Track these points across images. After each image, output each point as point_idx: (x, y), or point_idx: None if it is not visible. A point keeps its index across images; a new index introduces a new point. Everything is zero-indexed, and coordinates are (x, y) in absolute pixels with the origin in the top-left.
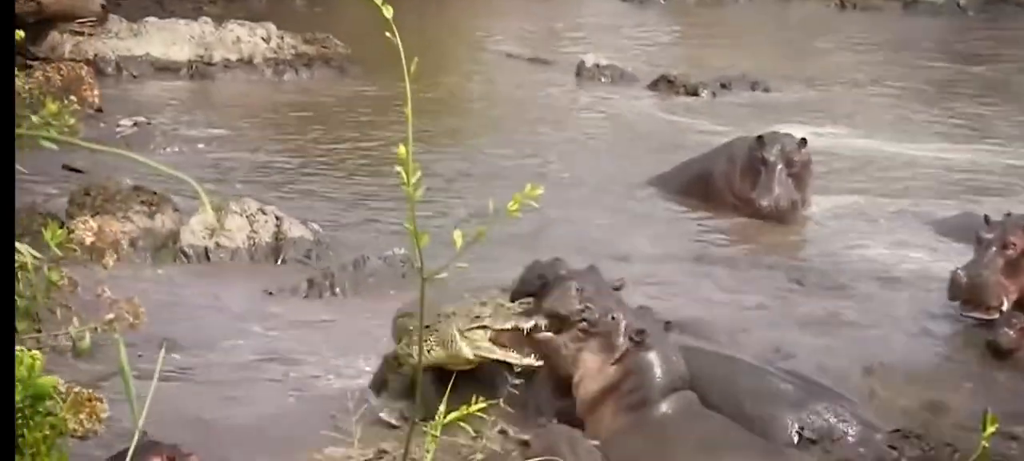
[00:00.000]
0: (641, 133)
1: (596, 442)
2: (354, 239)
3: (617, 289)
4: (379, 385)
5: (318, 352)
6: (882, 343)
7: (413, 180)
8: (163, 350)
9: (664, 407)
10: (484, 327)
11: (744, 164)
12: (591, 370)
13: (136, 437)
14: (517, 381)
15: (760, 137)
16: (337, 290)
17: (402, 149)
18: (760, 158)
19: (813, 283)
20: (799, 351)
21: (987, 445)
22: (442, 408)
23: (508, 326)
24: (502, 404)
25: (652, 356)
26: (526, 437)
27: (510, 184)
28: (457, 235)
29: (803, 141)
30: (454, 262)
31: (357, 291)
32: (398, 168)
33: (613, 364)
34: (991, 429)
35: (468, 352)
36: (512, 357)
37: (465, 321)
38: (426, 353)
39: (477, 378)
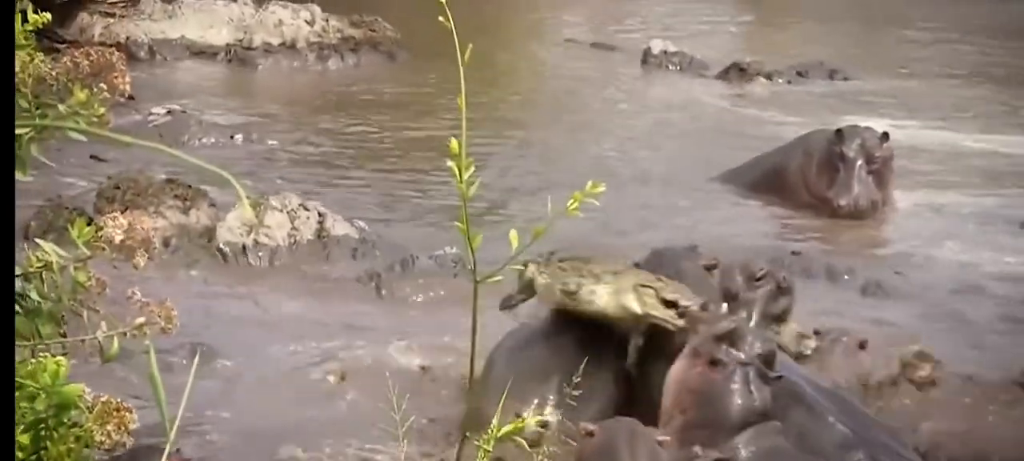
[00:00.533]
0: (711, 125)
1: (665, 437)
2: (403, 237)
3: (710, 269)
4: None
5: (364, 356)
6: (962, 354)
7: (466, 176)
8: (197, 356)
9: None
10: (654, 288)
11: (821, 160)
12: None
13: (168, 450)
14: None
15: (839, 131)
16: (384, 291)
17: (455, 143)
18: (838, 153)
19: (892, 289)
20: None
21: None
22: (495, 422)
23: (682, 300)
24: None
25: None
26: (592, 427)
27: (571, 179)
28: (513, 235)
29: (885, 135)
30: (510, 264)
31: (405, 292)
32: (450, 163)
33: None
34: None
35: (637, 306)
36: (675, 321)
37: (634, 278)
38: (589, 297)
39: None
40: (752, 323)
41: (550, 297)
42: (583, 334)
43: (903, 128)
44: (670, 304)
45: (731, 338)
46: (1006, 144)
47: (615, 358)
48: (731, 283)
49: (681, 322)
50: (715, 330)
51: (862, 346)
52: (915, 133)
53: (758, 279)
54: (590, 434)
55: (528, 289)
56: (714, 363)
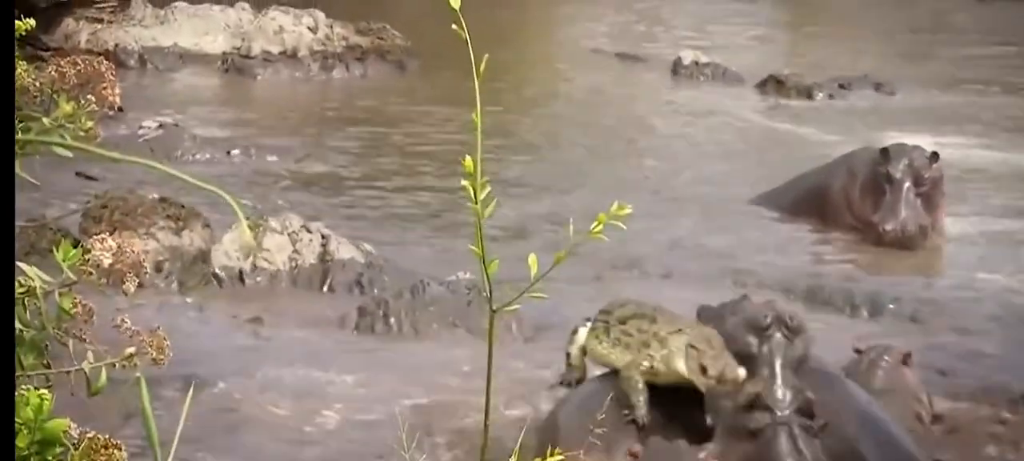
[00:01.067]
0: (747, 142)
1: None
2: (412, 262)
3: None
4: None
5: (370, 392)
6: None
7: (481, 196)
8: (191, 390)
9: None
10: (698, 351)
11: (866, 181)
12: None
13: None
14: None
15: (885, 149)
16: (392, 320)
17: (469, 160)
18: (884, 174)
19: (941, 322)
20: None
21: None
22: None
23: (719, 369)
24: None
25: None
26: (637, 447)
27: (594, 201)
28: (532, 260)
29: (934, 155)
30: (528, 292)
31: (415, 322)
32: (464, 182)
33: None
34: None
35: (684, 368)
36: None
37: (689, 336)
38: (651, 368)
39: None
40: (778, 378)
41: (630, 376)
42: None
43: (955, 147)
44: (704, 369)
45: (759, 402)
46: None
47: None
48: (741, 343)
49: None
50: (739, 401)
51: (906, 361)
52: (968, 152)
53: (766, 329)
54: (635, 456)
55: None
56: (752, 435)
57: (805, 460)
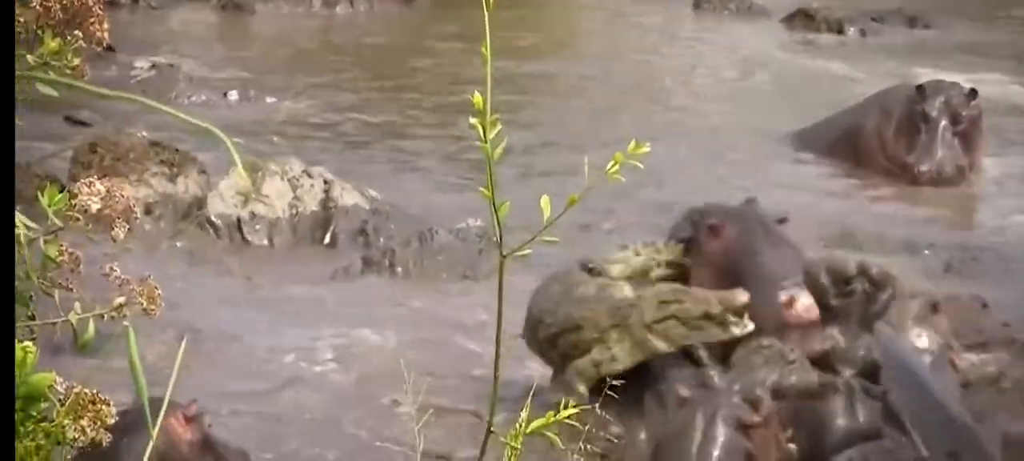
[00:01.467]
0: (775, 80)
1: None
2: (420, 208)
3: (781, 222)
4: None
5: (375, 348)
6: None
7: (491, 135)
8: (184, 341)
9: None
10: (675, 317)
11: (901, 120)
12: None
13: (150, 447)
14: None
15: (920, 87)
16: (399, 270)
17: (478, 97)
18: (920, 112)
19: (978, 267)
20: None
21: None
22: (524, 415)
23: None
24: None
25: None
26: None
27: (613, 140)
28: (544, 202)
29: (973, 92)
30: (541, 236)
31: (423, 272)
32: (473, 120)
33: None
34: None
35: (664, 346)
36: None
37: (652, 311)
38: (611, 360)
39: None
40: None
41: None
42: None
43: (994, 84)
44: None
45: (827, 359)
46: None
47: None
48: (818, 289)
49: (741, 328)
50: (809, 352)
51: (935, 309)
52: (1008, 89)
53: (848, 283)
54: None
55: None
56: (813, 395)
57: (858, 422)
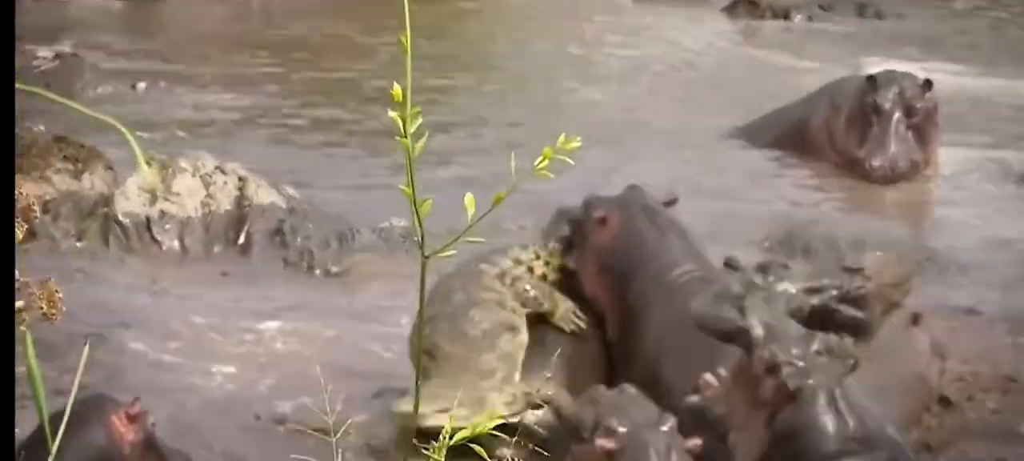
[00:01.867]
0: (717, 70)
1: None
2: (340, 206)
3: (669, 204)
4: None
5: (293, 357)
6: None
7: (412, 128)
8: (86, 347)
9: None
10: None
11: (851, 112)
12: None
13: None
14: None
15: (871, 77)
16: (317, 271)
17: (398, 89)
18: (871, 104)
19: (934, 268)
20: None
21: None
22: (447, 426)
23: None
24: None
25: None
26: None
27: (547, 133)
28: (469, 200)
29: (927, 83)
30: (465, 236)
31: (343, 273)
32: (393, 114)
33: None
34: None
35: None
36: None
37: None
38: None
39: None
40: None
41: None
42: None
43: (950, 74)
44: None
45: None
46: None
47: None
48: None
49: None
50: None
51: (916, 321)
52: (963, 81)
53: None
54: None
55: None
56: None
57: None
